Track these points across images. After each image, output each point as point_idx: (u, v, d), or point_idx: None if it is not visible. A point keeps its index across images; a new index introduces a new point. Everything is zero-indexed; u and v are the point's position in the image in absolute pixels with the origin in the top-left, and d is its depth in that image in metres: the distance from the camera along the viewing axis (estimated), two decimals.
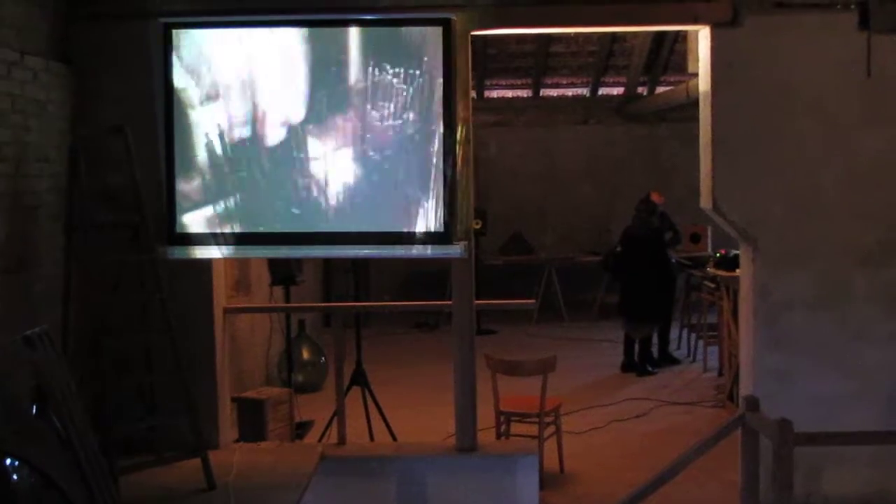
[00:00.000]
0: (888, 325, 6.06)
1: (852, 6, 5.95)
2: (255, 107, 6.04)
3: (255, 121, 6.04)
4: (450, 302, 6.34)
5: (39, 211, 5.47)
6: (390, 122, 5.99)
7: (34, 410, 4.56)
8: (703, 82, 6.29)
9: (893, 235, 6.03)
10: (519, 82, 13.45)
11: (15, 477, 4.08)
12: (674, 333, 10.65)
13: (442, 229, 6.00)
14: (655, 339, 10.23)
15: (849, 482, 6.00)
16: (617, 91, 13.45)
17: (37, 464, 4.10)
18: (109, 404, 5.29)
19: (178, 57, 6.00)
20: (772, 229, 6.08)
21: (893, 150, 6.03)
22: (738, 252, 7.21)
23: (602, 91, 13.46)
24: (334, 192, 6.02)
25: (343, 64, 6.00)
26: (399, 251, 6.13)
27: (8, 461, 4.05)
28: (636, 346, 10.03)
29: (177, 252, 6.02)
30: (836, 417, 5.71)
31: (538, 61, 12.78)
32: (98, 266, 5.54)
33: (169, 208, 6.02)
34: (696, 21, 6.16)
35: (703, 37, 6.25)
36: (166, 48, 5.97)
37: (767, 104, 6.04)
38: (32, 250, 5.38)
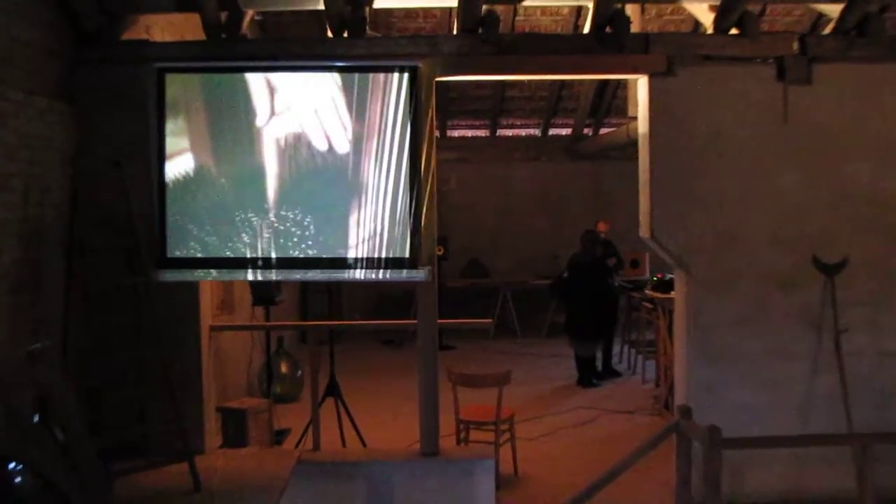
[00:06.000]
0: (802, 341, 6.14)
1: (771, 60, 6.09)
2: (235, 144, 6.03)
3: (239, 157, 6.03)
4: (415, 321, 6.35)
5: (43, 236, 5.45)
6: (363, 159, 6.01)
7: (36, 419, 4.52)
8: (642, 125, 6.36)
9: (808, 262, 6.12)
10: (477, 123, 13.55)
11: (18, 480, 4.05)
12: (616, 349, 10.66)
13: (408, 255, 6.04)
14: (599, 355, 10.27)
15: (768, 481, 6.06)
16: (565, 132, 13.58)
17: (38, 468, 4.07)
18: (105, 413, 5.28)
19: (170, 98, 6.00)
20: (703, 256, 6.15)
21: (807, 186, 6.13)
22: (673, 276, 7.24)
23: (552, 132, 13.59)
24: (312, 221, 6.03)
25: (319, 104, 6.02)
26: (370, 275, 6.10)
27: (11, 465, 4.03)
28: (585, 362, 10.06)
29: (167, 275, 6.00)
30: (758, 424, 5.80)
31: (495, 104, 12.88)
32: (95, 287, 5.53)
33: (160, 235, 6.01)
34: (635, 70, 6.25)
35: (641, 84, 6.33)
36: (159, 90, 5.98)
37: (698, 145, 6.11)
38: (36, 272, 5.36)
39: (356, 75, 6.04)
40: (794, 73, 6.06)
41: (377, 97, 6.02)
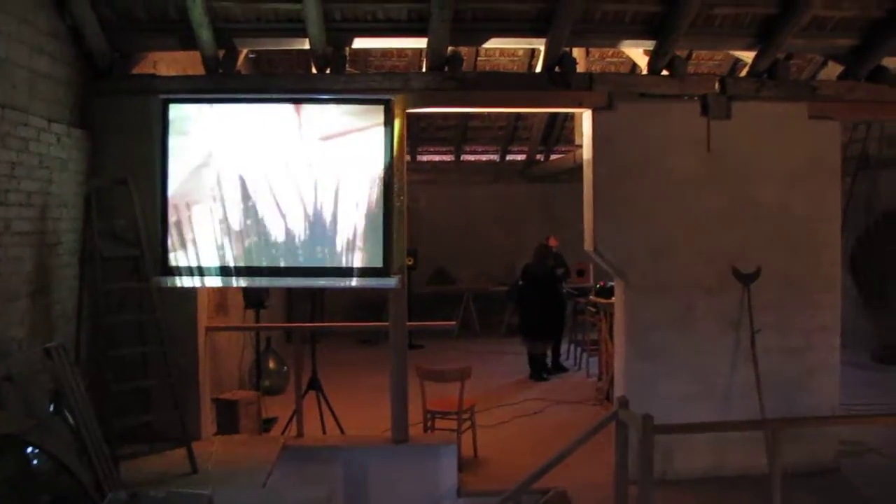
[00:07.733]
0: (722, 340, 6.24)
1: (696, 98, 6.21)
2: (230, 167, 6.01)
3: (230, 178, 6.02)
4: (387, 323, 6.37)
5: (59, 247, 5.41)
6: (343, 182, 6.02)
7: (51, 408, 4.51)
8: (586, 152, 6.43)
9: (728, 272, 6.22)
10: (444, 149, 13.52)
11: (35, 462, 4.04)
12: (564, 347, 10.69)
13: (381, 265, 6.05)
14: (549, 353, 10.29)
15: (694, 460, 6.14)
16: (520, 157, 13.58)
17: (52, 452, 4.05)
18: (112, 403, 5.22)
19: (173, 125, 5.97)
20: (638, 267, 6.23)
21: (727, 208, 6.24)
22: (613, 284, 7.29)
23: (509, 157, 13.57)
24: (297, 235, 6.03)
25: (306, 132, 6.02)
26: (348, 282, 6.11)
27: (29, 449, 4.01)
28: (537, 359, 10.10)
29: (168, 281, 5.98)
30: (686, 411, 5.86)
31: (459, 133, 12.90)
32: (105, 292, 5.49)
33: (163, 246, 5.98)
34: (580, 105, 6.32)
35: (586, 117, 6.40)
36: (164, 118, 5.97)
37: (634, 170, 6.19)
38: (53, 278, 5.32)
39: (337, 106, 6.04)
40: (715, 109, 6.18)
41: (355, 125, 6.03)
